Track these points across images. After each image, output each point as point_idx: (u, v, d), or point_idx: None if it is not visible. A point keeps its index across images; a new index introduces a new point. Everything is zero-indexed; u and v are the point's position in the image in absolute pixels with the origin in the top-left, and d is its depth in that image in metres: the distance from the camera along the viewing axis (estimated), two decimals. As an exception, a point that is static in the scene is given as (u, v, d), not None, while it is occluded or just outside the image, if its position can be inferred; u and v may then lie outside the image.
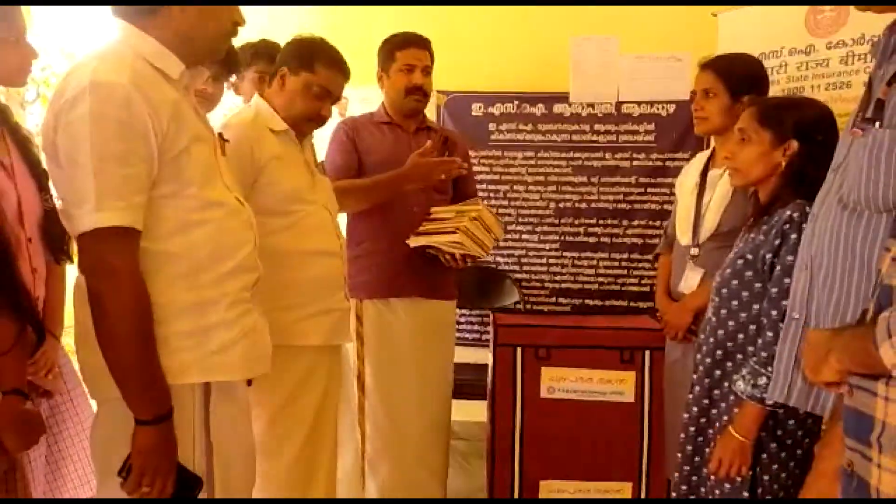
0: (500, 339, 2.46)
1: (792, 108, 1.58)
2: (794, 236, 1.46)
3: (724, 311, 1.60)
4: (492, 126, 3.23)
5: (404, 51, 2.33)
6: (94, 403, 1.47)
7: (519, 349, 2.43)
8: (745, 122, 1.62)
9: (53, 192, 1.42)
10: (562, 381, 2.44)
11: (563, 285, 3.26)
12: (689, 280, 2.02)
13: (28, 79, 1.55)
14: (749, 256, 1.54)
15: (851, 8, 2.37)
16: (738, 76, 1.96)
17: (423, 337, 2.43)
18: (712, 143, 2.88)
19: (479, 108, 3.23)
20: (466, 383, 2.77)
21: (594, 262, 3.23)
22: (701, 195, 2.05)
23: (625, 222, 3.19)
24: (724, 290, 1.60)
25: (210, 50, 1.36)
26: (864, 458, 0.84)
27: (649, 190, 3.15)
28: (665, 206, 3.13)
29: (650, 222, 3.17)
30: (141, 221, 1.21)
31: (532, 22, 3.18)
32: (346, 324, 1.98)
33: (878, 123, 1.01)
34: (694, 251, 2.02)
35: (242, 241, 1.36)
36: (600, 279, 3.23)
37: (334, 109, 1.99)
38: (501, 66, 3.17)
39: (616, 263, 3.21)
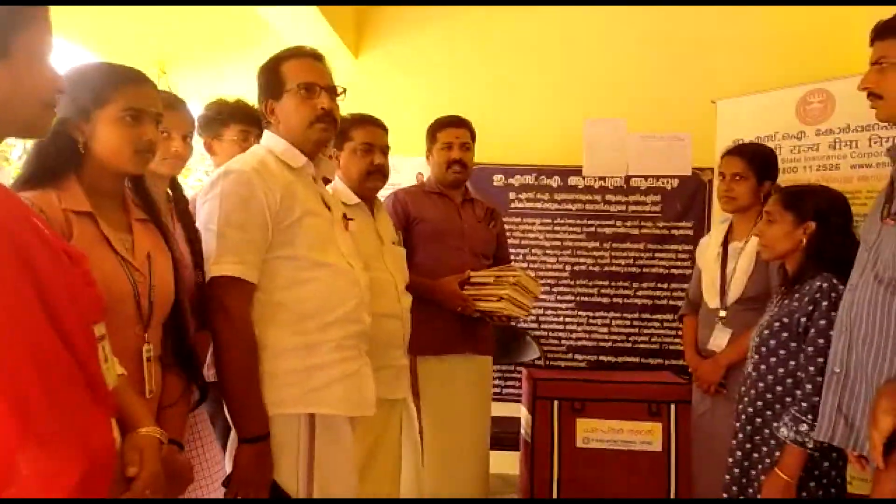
0: (539, 392, 2.67)
1: (810, 195, 1.89)
2: (824, 303, 1.74)
3: (763, 367, 1.86)
4: (512, 195, 3.52)
5: (444, 131, 2.64)
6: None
7: (556, 402, 2.65)
8: (771, 206, 1.92)
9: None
10: (595, 432, 2.66)
11: (579, 342, 3.50)
12: (719, 339, 2.28)
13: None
14: (785, 320, 1.81)
15: (837, 99, 2.78)
16: (762, 163, 2.28)
17: (471, 390, 2.62)
18: (714, 215, 3.26)
19: (501, 178, 3.52)
20: (493, 436, 2.94)
21: (607, 321, 3.49)
22: (724, 264, 2.34)
23: (635, 284, 3.47)
24: (763, 349, 1.86)
25: (303, 143, 1.65)
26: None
27: (656, 255, 3.45)
28: (671, 271, 3.44)
29: (658, 284, 3.45)
30: (253, 276, 1.50)
31: (549, 103, 3.53)
32: (401, 379, 2.16)
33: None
34: (722, 313, 2.29)
35: (347, 297, 1.62)
36: (613, 337, 3.49)
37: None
38: (521, 142, 3.49)
39: (627, 322, 3.48)
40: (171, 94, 1.63)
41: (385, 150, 2.23)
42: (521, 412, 2.87)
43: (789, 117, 2.91)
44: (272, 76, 1.63)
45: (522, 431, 2.85)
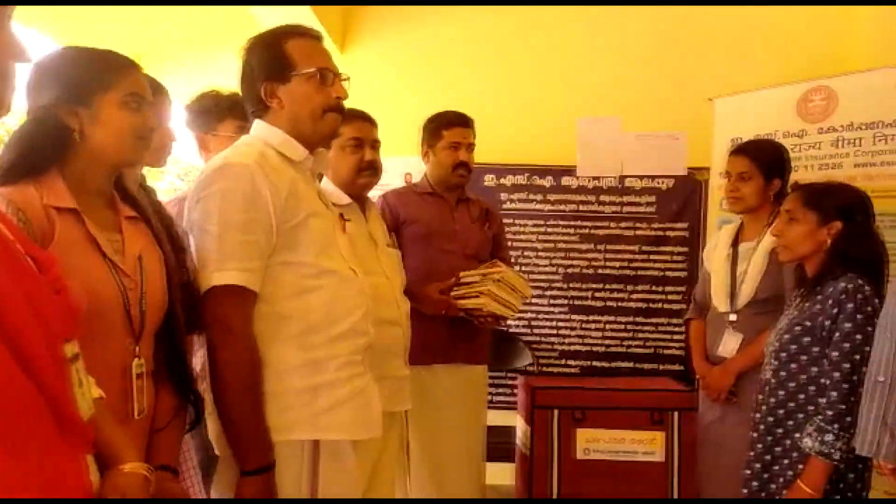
0: (538, 401, 2.55)
1: (834, 193, 1.80)
2: (850, 306, 1.65)
3: (783, 374, 1.77)
4: (503, 196, 3.40)
5: (451, 129, 2.46)
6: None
7: (556, 411, 2.54)
8: (791, 205, 1.83)
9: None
10: (596, 442, 2.54)
11: (573, 347, 3.39)
12: (729, 344, 2.19)
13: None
14: (807, 323, 1.72)
15: (840, 96, 2.72)
16: (769, 161, 2.19)
17: (462, 401, 2.50)
18: (710, 216, 3.18)
19: (492, 178, 3.41)
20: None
21: (601, 325, 3.39)
22: (734, 266, 2.24)
23: (629, 287, 3.37)
24: (784, 354, 1.76)
25: (315, 133, 1.49)
26: None
27: (651, 257, 3.36)
28: (666, 273, 3.35)
29: (652, 287, 3.36)
30: (257, 284, 1.33)
31: (542, 101, 3.43)
32: (402, 391, 2.04)
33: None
34: (732, 317, 2.20)
35: (354, 307, 1.47)
36: (607, 341, 3.39)
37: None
38: (513, 141, 3.37)
39: (622, 326, 3.38)
40: (154, 80, 1.47)
41: (375, 144, 2.09)
42: (518, 422, 2.75)
43: (790, 115, 2.85)
44: (276, 55, 1.43)
45: (519, 442, 2.73)
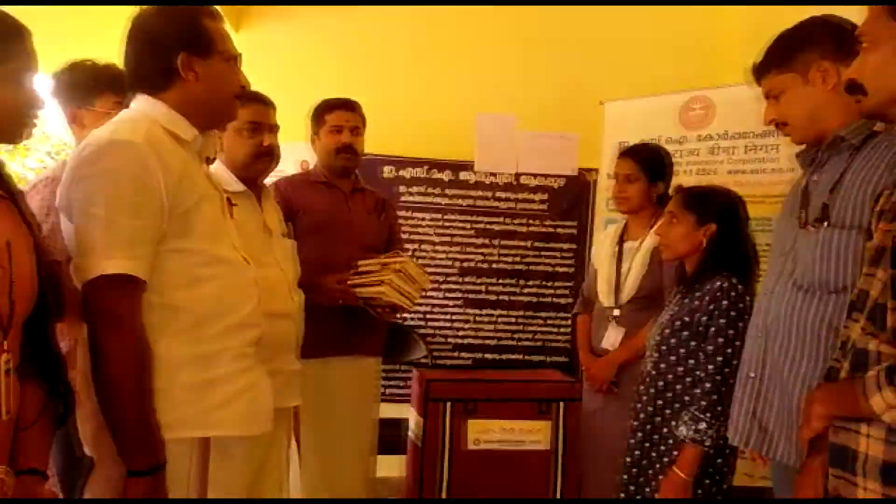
0: (431, 393, 2.57)
1: (712, 196, 1.92)
2: (724, 303, 1.77)
3: (662, 366, 1.87)
4: (402, 188, 3.39)
5: (332, 113, 2.45)
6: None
7: (448, 403, 2.56)
8: (673, 206, 1.94)
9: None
10: (486, 433, 2.59)
11: (465, 340, 3.44)
12: (612, 338, 2.30)
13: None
14: (686, 319, 1.83)
15: (717, 107, 2.91)
16: (654, 164, 2.32)
17: (355, 394, 2.47)
18: (598, 214, 3.32)
19: (391, 170, 3.38)
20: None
21: (493, 319, 3.46)
22: (619, 263, 2.35)
23: (521, 282, 3.46)
24: (663, 348, 1.87)
25: (221, 114, 1.47)
26: (850, 483, 1.09)
27: (542, 253, 3.47)
28: (556, 269, 3.47)
29: (542, 282, 3.47)
30: (146, 272, 1.25)
31: (442, 95, 3.44)
32: (292, 386, 1.98)
33: (825, 223, 1.33)
34: (616, 312, 2.31)
35: (246, 298, 1.41)
36: (498, 334, 3.46)
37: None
38: (412, 133, 3.36)
39: (512, 320, 3.47)
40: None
41: (274, 129, 2.03)
42: (410, 414, 2.75)
43: (672, 122, 3.02)
44: (197, 29, 1.35)
45: (411, 434, 2.73)
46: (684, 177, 2.92)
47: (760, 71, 1.51)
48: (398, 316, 2.46)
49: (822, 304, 1.34)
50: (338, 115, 2.44)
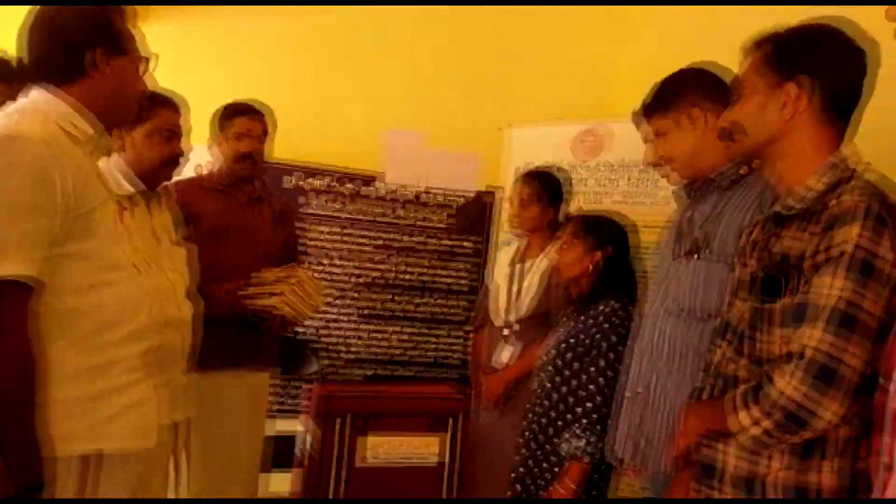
0: (325, 409, 2.53)
1: (603, 223, 2.04)
2: (608, 325, 1.87)
3: (549, 384, 1.95)
4: (303, 199, 3.33)
5: (236, 119, 2.40)
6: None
7: (343, 418, 2.53)
8: (566, 231, 2.04)
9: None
10: (378, 449, 2.59)
11: (359, 355, 3.42)
12: (503, 355, 2.37)
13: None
14: (573, 340, 1.92)
15: (607, 139, 3.09)
16: (551, 189, 2.42)
17: (243, 409, 2.40)
18: (497, 234, 3.42)
19: (292, 180, 3.32)
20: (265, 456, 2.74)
21: (388, 335, 3.45)
22: (514, 283, 2.43)
23: (418, 298, 3.49)
24: (551, 367, 1.95)
25: (122, 115, 1.44)
26: (712, 490, 1.19)
27: (441, 270, 3.51)
28: (453, 286, 3.53)
29: (440, 298, 3.51)
30: (40, 277, 1.20)
31: (350, 106, 3.43)
32: (179, 400, 1.90)
33: (697, 255, 1.45)
34: (508, 331, 2.38)
35: (140, 307, 1.38)
36: (392, 350, 3.46)
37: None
38: (317, 143, 3.33)
39: (407, 336, 3.48)
40: None
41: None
42: (302, 430, 2.70)
43: (568, 150, 3.17)
44: (110, 25, 1.33)
45: (303, 449, 2.68)
46: (578, 203, 3.08)
47: (646, 112, 1.63)
48: (289, 330, 2.41)
49: (693, 329, 1.46)
50: (242, 121, 2.39)
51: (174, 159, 1.90)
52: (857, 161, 1.17)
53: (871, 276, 1.03)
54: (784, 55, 1.18)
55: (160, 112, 1.87)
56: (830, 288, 1.04)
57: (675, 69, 1.64)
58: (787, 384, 1.06)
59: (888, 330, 1.02)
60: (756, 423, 1.10)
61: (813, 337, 1.04)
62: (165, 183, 2.36)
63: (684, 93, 1.56)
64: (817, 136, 1.17)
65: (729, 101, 1.28)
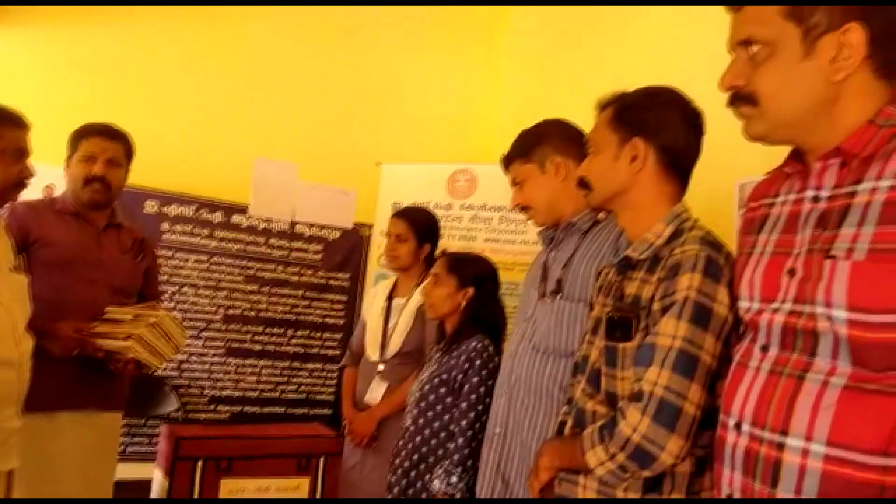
0: (181, 452, 2.36)
1: (472, 262, 2.09)
2: (478, 362, 1.91)
3: (421, 421, 1.95)
4: (165, 226, 3.16)
5: (88, 140, 2.23)
6: None
7: (200, 462, 2.37)
8: (438, 269, 2.07)
9: None
10: (240, 493, 2.45)
11: (224, 392, 3.26)
12: (375, 392, 2.34)
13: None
14: (444, 376, 1.94)
15: (479, 180, 3.20)
16: (424, 227, 2.45)
17: (88, 454, 2.20)
18: (370, 269, 3.41)
19: (153, 206, 3.14)
20: (113, 504, 2.53)
21: (257, 370, 3.33)
22: (387, 319, 2.43)
23: (289, 332, 3.39)
24: (423, 404, 1.95)
25: None
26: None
27: (313, 304, 3.45)
28: (325, 320, 3.47)
29: (311, 333, 3.44)
30: None
31: (220, 133, 3.31)
32: (9, 446, 1.72)
33: (558, 295, 1.52)
34: (381, 367, 2.36)
35: None
36: (261, 386, 3.34)
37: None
38: (183, 169, 3.18)
39: (277, 371, 3.37)
40: None
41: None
42: (155, 475, 2.50)
43: (441, 189, 3.25)
44: None
45: (154, 495, 2.48)
46: (449, 241, 3.14)
47: (508, 161, 1.71)
48: (143, 371, 2.24)
49: (555, 365, 1.52)
50: (93, 142, 2.21)
51: (22, 182, 1.77)
52: (689, 216, 1.30)
53: (710, 319, 1.13)
54: (625, 116, 1.28)
55: (7, 131, 1.72)
56: (675, 330, 1.13)
57: (543, 117, 1.74)
58: (637, 421, 1.13)
59: (727, 368, 1.11)
60: (612, 457, 1.16)
61: (658, 377, 1.12)
62: (11, 203, 2.18)
63: (541, 143, 1.65)
64: (660, 190, 1.28)
65: (582, 153, 1.37)
